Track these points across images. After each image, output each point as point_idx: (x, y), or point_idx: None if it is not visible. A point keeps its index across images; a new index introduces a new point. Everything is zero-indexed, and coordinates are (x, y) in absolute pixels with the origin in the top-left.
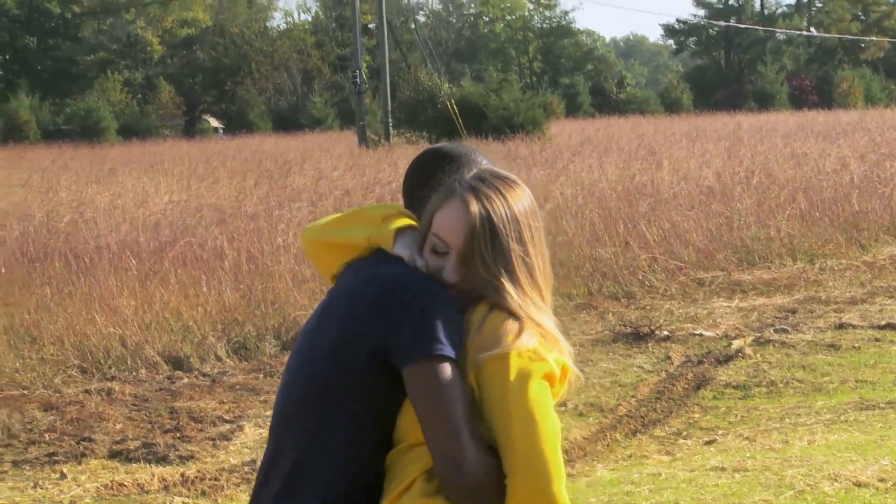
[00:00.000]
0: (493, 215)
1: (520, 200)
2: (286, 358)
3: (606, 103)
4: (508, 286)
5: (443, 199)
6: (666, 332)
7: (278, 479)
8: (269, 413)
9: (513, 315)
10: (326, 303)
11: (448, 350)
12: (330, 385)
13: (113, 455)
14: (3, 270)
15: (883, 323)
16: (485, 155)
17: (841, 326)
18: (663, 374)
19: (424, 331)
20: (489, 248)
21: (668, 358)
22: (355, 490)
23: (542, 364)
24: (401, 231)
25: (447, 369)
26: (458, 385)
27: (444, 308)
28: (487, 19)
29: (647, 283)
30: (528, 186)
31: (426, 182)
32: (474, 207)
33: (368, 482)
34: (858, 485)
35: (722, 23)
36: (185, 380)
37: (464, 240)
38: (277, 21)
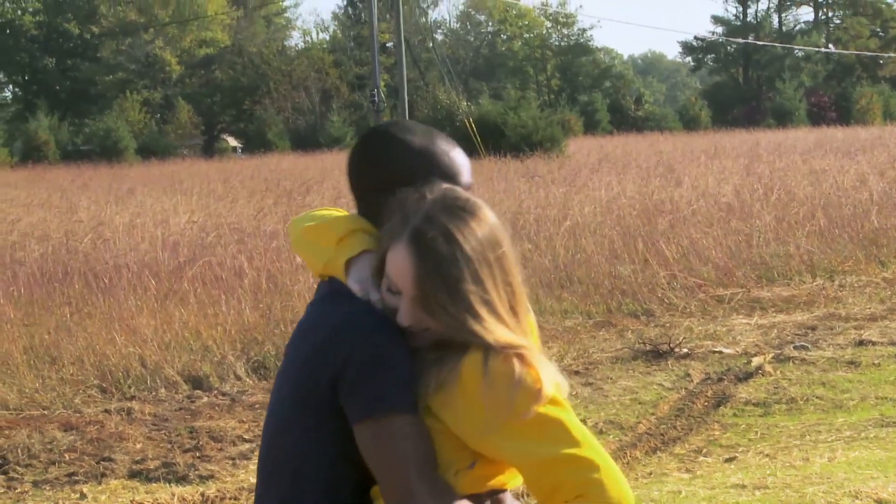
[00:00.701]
0: (441, 262)
1: (472, 234)
2: None
3: (625, 120)
4: (477, 328)
5: (392, 238)
6: (685, 350)
7: None
8: None
9: (504, 357)
10: (290, 339)
11: (394, 403)
12: (296, 432)
13: (133, 475)
14: (22, 290)
15: None
16: (446, 144)
17: (861, 343)
18: (683, 392)
19: (367, 387)
20: (445, 294)
21: (688, 375)
22: None
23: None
24: (354, 260)
25: (394, 425)
26: (409, 438)
27: (391, 355)
28: (505, 37)
29: (666, 300)
30: (547, 204)
31: (379, 187)
32: (420, 254)
33: None
34: (879, 502)
35: (740, 40)
36: (205, 399)
37: (413, 286)
38: (295, 40)
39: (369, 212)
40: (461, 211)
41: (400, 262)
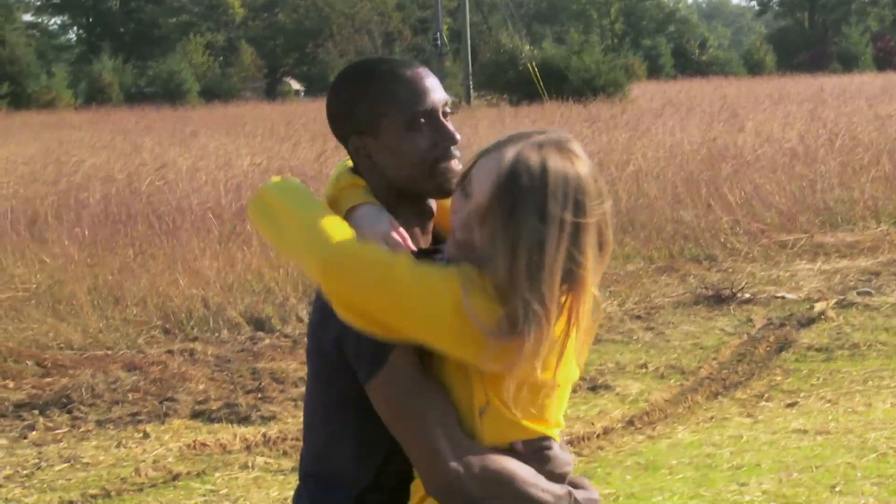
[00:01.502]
0: (523, 191)
1: (568, 185)
2: None
3: (689, 65)
4: (503, 275)
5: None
6: (748, 295)
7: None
8: None
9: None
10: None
11: (395, 362)
12: (325, 389)
13: (195, 415)
14: (86, 232)
15: None
16: (405, 68)
17: None
18: (745, 337)
19: (369, 345)
20: (505, 216)
21: (750, 321)
22: (385, 483)
23: None
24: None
25: (401, 383)
26: (420, 395)
27: None
28: None
29: (728, 245)
30: (610, 149)
31: (339, 131)
32: (511, 172)
33: (400, 473)
34: None
35: None
36: (267, 341)
37: (487, 194)
38: None
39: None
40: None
41: (489, 167)
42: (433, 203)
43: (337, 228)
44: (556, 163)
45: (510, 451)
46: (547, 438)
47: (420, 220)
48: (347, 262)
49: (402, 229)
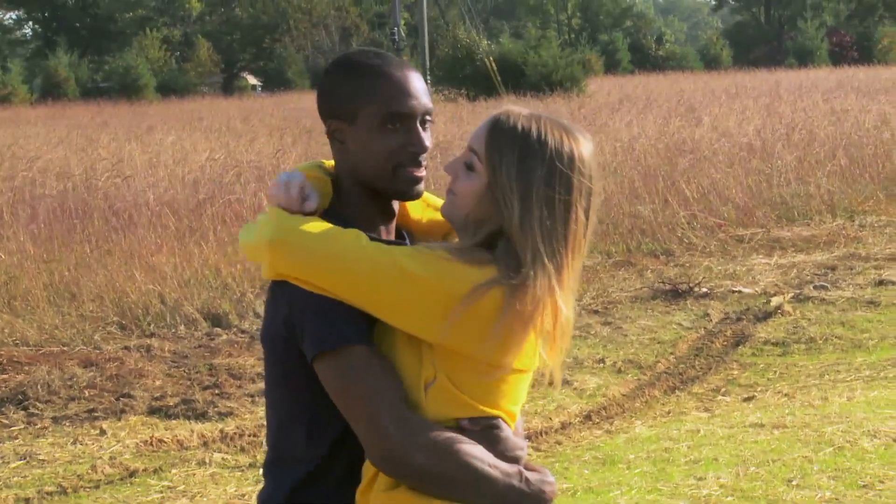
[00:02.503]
0: (531, 134)
1: (567, 150)
2: None
3: (645, 60)
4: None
5: None
6: (705, 289)
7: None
8: None
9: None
10: None
11: (346, 335)
12: (277, 370)
13: (152, 411)
14: (42, 227)
15: None
16: (397, 66)
17: (881, 283)
18: (702, 331)
19: (316, 324)
20: (514, 166)
21: (707, 315)
22: (337, 466)
23: None
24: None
25: (351, 355)
26: (365, 370)
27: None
28: None
29: (686, 240)
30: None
31: (324, 114)
32: (506, 129)
33: (352, 457)
34: None
35: None
36: (224, 336)
37: (484, 142)
38: None
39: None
40: (572, 127)
41: (482, 127)
42: (396, 205)
43: (290, 217)
44: (543, 119)
45: (456, 427)
46: (496, 419)
47: (383, 218)
48: (295, 237)
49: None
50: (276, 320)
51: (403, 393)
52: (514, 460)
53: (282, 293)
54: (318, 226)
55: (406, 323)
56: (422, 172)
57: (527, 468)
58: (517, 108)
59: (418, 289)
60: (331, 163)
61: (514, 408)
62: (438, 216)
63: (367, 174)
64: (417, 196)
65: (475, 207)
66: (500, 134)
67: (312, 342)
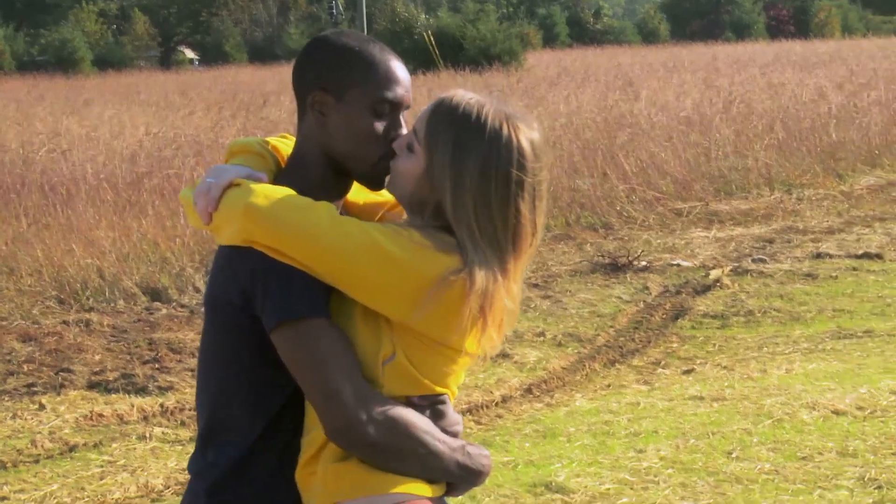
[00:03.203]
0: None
1: (517, 137)
2: None
3: (583, 34)
4: (456, 208)
5: None
6: (644, 263)
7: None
8: None
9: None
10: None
11: (306, 306)
12: (221, 337)
13: (92, 386)
14: None
15: (860, 252)
16: (384, 53)
17: (818, 256)
18: (641, 305)
19: (278, 293)
20: (447, 149)
21: (646, 288)
22: (280, 435)
23: None
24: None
25: (310, 326)
26: (327, 337)
27: (291, 267)
28: None
29: (624, 213)
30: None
31: (301, 90)
32: (448, 111)
33: (295, 426)
34: (837, 413)
35: None
36: (164, 311)
37: (424, 130)
38: None
39: (298, 119)
40: (516, 114)
41: (426, 108)
42: (350, 185)
43: (267, 185)
44: (487, 105)
45: (407, 402)
46: (443, 395)
47: (337, 194)
48: (273, 206)
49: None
50: (230, 288)
51: (359, 366)
52: (453, 434)
53: (241, 260)
54: (294, 197)
55: (374, 300)
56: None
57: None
58: (464, 92)
59: (394, 269)
60: (279, 139)
61: (456, 387)
62: (374, 198)
63: (341, 151)
64: (381, 187)
65: (414, 189)
66: (440, 117)
67: (273, 311)
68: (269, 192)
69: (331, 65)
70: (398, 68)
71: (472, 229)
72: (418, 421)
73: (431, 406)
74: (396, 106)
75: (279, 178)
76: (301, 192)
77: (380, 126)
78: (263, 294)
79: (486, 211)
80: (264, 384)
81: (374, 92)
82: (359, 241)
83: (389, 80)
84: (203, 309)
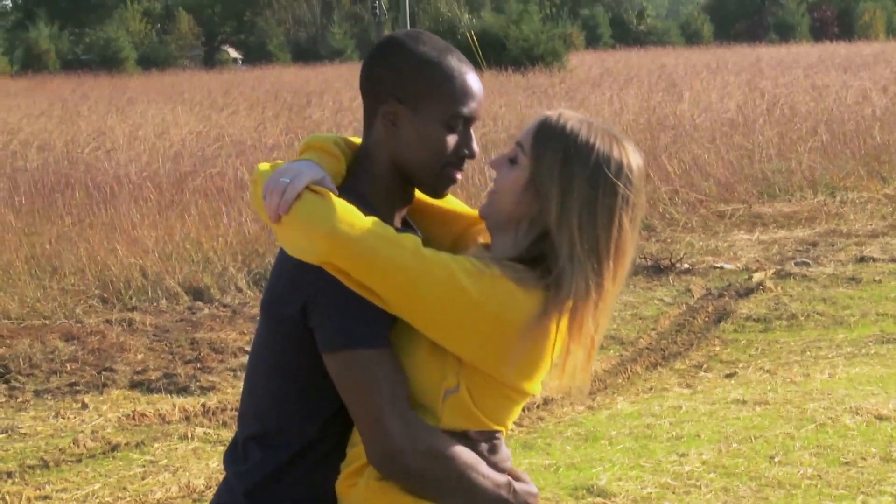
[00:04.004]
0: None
1: (616, 160)
2: None
3: (626, 35)
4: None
5: None
6: (686, 265)
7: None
8: None
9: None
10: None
11: (365, 337)
12: (279, 343)
13: (134, 385)
14: (24, 200)
15: None
16: (462, 65)
17: (862, 259)
18: (684, 307)
19: (338, 318)
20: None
21: (689, 291)
22: (328, 440)
23: None
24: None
25: (365, 356)
26: (380, 367)
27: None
28: None
29: (667, 215)
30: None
31: (373, 94)
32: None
33: (341, 434)
34: (880, 418)
35: None
36: (206, 311)
37: (531, 136)
38: None
39: (364, 124)
40: (623, 137)
41: (531, 123)
42: (414, 195)
43: (348, 207)
44: (595, 123)
45: (463, 435)
46: (499, 432)
47: (402, 204)
48: (357, 234)
49: (331, 183)
50: (291, 299)
51: (408, 397)
52: (502, 471)
53: (307, 276)
54: (379, 226)
55: (448, 340)
56: (459, 176)
57: (511, 475)
58: (569, 111)
59: (469, 309)
60: (356, 140)
61: (511, 423)
62: (454, 207)
63: (412, 163)
64: (442, 196)
65: (517, 203)
66: (548, 130)
67: (332, 336)
68: (353, 218)
69: (408, 75)
70: (474, 81)
71: (574, 238)
72: (465, 455)
73: (487, 441)
74: (469, 120)
75: (346, 181)
76: (367, 196)
77: (451, 140)
78: (325, 315)
79: (591, 219)
80: (317, 393)
81: (451, 107)
82: (439, 277)
83: (465, 94)
84: (259, 311)
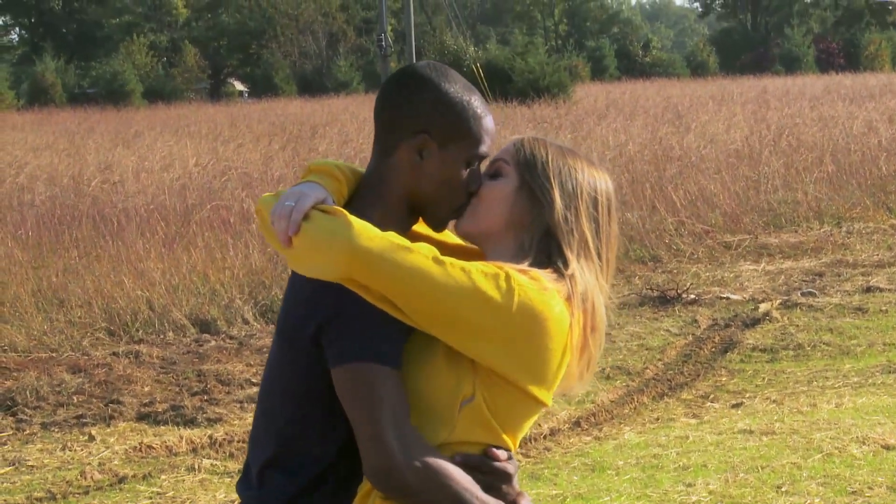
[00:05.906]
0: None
1: (584, 172)
2: None
3: (632, 66)
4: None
5: None
6: (693, 296)
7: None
8: None
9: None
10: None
11: (375, 353)
12: (300, 364)
13: (141, 417)
14: (30, 233)
15: None
16: (482, 107)
17: (868, 290)
18: (690, 338)
19: (352, 335)
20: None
21: (695, 321)
22: (344, 463)
23: None
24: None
25: (371, 372)
26: (384, 385)
27: (376, 310)
28: None
29: (674, 246)
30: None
31: (389, 127)
32: (534, 147)
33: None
34: (887, 447)
35: None
36: (213, 343)
37: (512, 148)
38: None
39: (377, 150)
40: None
41: (508, 143)
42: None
43: (364, 223)
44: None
45: (482, 451)
46: (509, 451)
47: (401, 231)
48: (378, 248)
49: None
50: (308, 322)
51: (408, 411)
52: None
53: (323, 295)
54: (396, 237)
55: (467, 343)
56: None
57: (518, 495)
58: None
59: (492, 311)
60: (359, 168)
61: (521, 437)
62: (434, 242)
63: (429, 196)
64: (444, 230)
65: (511, 210)
66: (529, 141)
67: (340, 351)
68: (370, 232)
69: (440, 111)
70: (491, 122)
71: (584, 235)
72: (460, 476)
73: (509, 460)
74: (482, 161)
75: (352, 203)
76: (373, 218)
77: (466, 179)
78: (339, 332)
79: (593, 207)
80: (336, 416)
81: (474, 147)
82: (463, 284)
83: (486, 134)
84: (266, 342)
